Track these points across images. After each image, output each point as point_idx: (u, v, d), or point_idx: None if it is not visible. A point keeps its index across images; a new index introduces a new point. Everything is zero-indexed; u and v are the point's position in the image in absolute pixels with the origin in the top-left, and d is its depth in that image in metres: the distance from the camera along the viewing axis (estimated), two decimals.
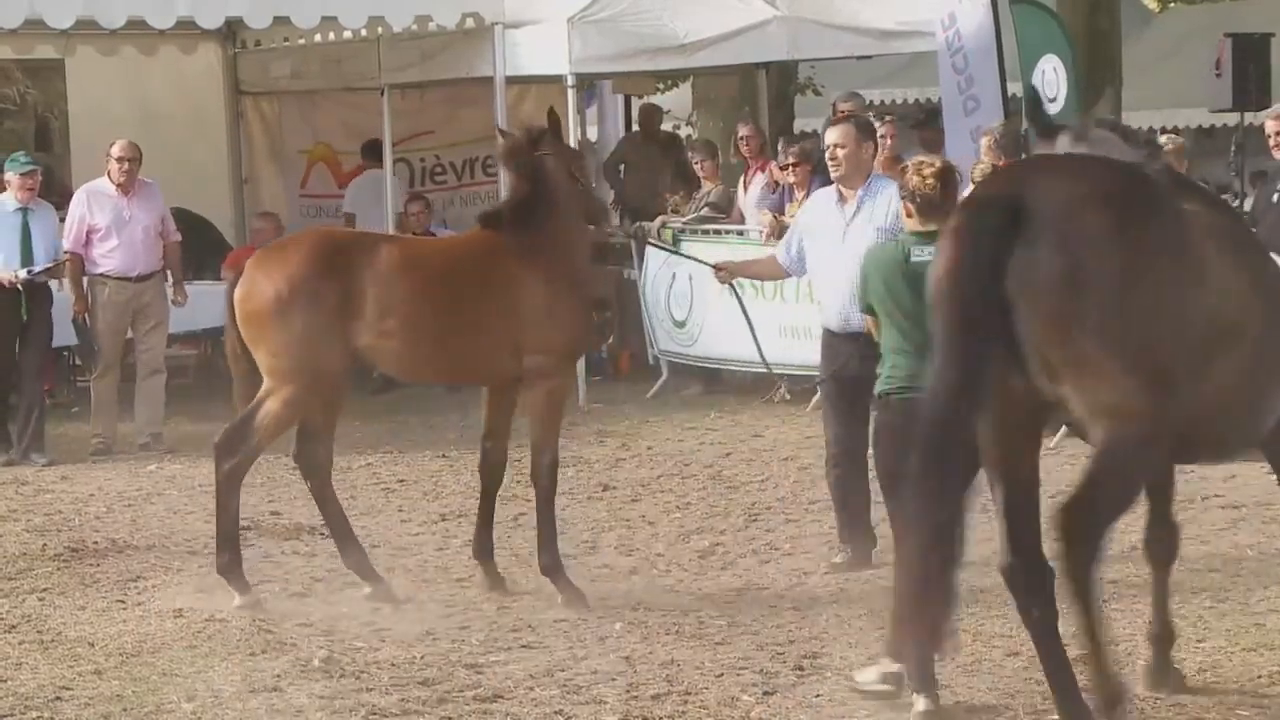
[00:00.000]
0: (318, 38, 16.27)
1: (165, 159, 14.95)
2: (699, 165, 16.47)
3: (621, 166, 18.52)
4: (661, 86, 22.24)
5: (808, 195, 11.53)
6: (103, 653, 8.25)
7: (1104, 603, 8.32)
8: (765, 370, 12.40)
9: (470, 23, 15.22)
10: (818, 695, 7.36)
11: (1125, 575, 8.42)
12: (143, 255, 13.63)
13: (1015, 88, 15.77)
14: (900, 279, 7.06)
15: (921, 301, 6.99)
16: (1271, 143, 12.77)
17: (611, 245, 16.65)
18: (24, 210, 13.41)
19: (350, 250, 9.15)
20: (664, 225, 15.83)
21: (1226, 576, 9.13)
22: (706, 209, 15.94)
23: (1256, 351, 6.42)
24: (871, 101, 20.53)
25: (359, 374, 9.82)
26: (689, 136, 20.91)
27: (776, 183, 15.15)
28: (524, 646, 8.24)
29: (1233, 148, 18.08)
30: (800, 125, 20.59)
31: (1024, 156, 7.28)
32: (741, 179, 16.08)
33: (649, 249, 15.49)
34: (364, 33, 15.51)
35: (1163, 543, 7.30)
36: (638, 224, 16.09)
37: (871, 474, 8.47)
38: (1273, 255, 7.56)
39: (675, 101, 23.29)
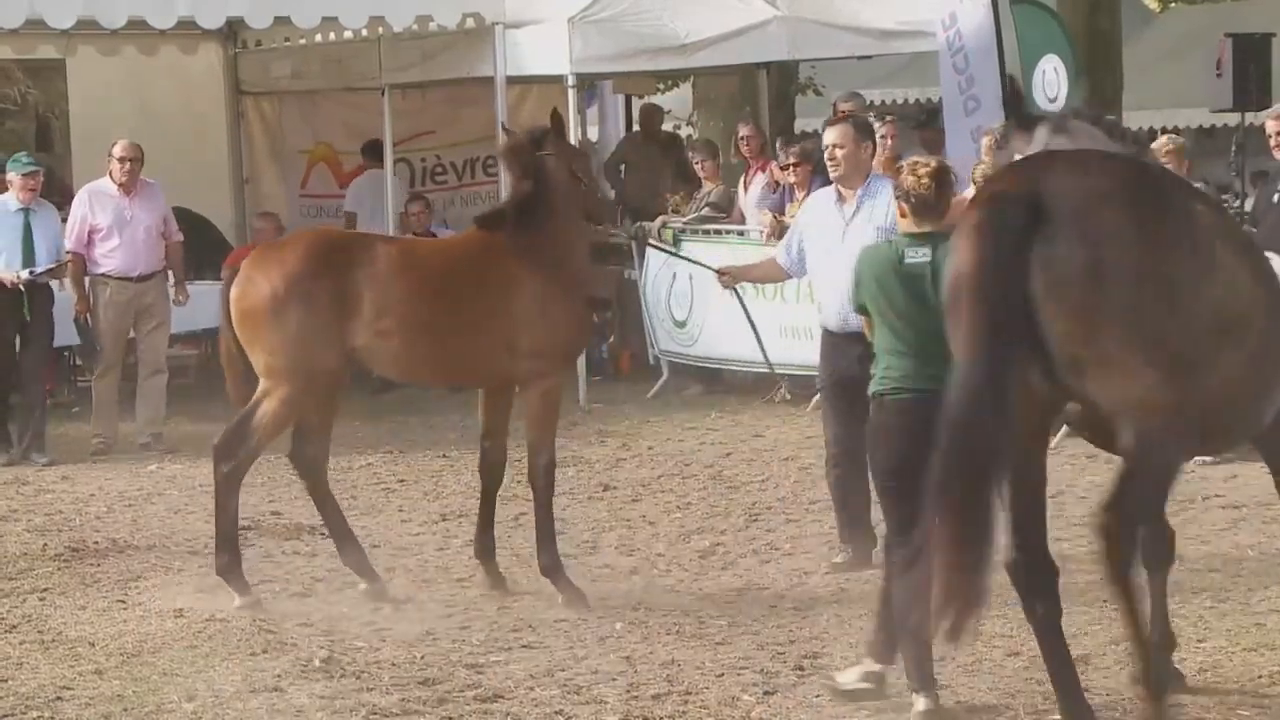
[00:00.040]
0: (318, 38, 16.27)
1: (166, 159, 14.95)
2: (699, 165, 16.47)
3: (622, 166, 18.52)
4: (662, 86, 22.24)
5: (808, 195, 11.52)
6: (103, 653, 8.26)
7: (1104, 603, 8.36)
8: (768, 370, 12.40)
9: (471, 23, 15.22)
10: (818, 695, 7.36)
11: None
12: (144, 255, 13.64)
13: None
14: (894, 280, 7.05)
15: (915, 303, 7.00)
16: (1272, 143, 12.77)
17: (612, 245, 16.67)
18: (26, 210, 13.42)
19: (346, 250, 9.15)
20: (664, 225, 15.83)
21: (1227, 576, 9.13)
22: (707, 209, 15.94)
23: (1261, 343, 6.49)
24: (872, 101, 20.54)
25: (360, 374, 9.82)
26: (689, 136, 20.91)
27: (777, 183, 15.15)
28: (524, 646, 8.24)
29: (1233, 148, 18.08)
30: (801, 125, 20.58)
31: (1010, 150, 7.24)
32: (742, 179, 16.08)
33: (649, 249, 15.50)
34: (365, 33, 15.52)
35: (1157, 545, 7.30)
36: (638, 224, 16.09)
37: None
38: (1272, 255, 7.58)
39: (676, 101, 23.30)
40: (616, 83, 20.46)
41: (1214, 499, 10.79)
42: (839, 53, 17.34)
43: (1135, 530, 6.36)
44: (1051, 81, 15.12)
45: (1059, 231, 6.16)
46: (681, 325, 15.68)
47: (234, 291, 9.12)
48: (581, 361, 15.07)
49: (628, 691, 7.50)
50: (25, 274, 13.24)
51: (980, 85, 14.95)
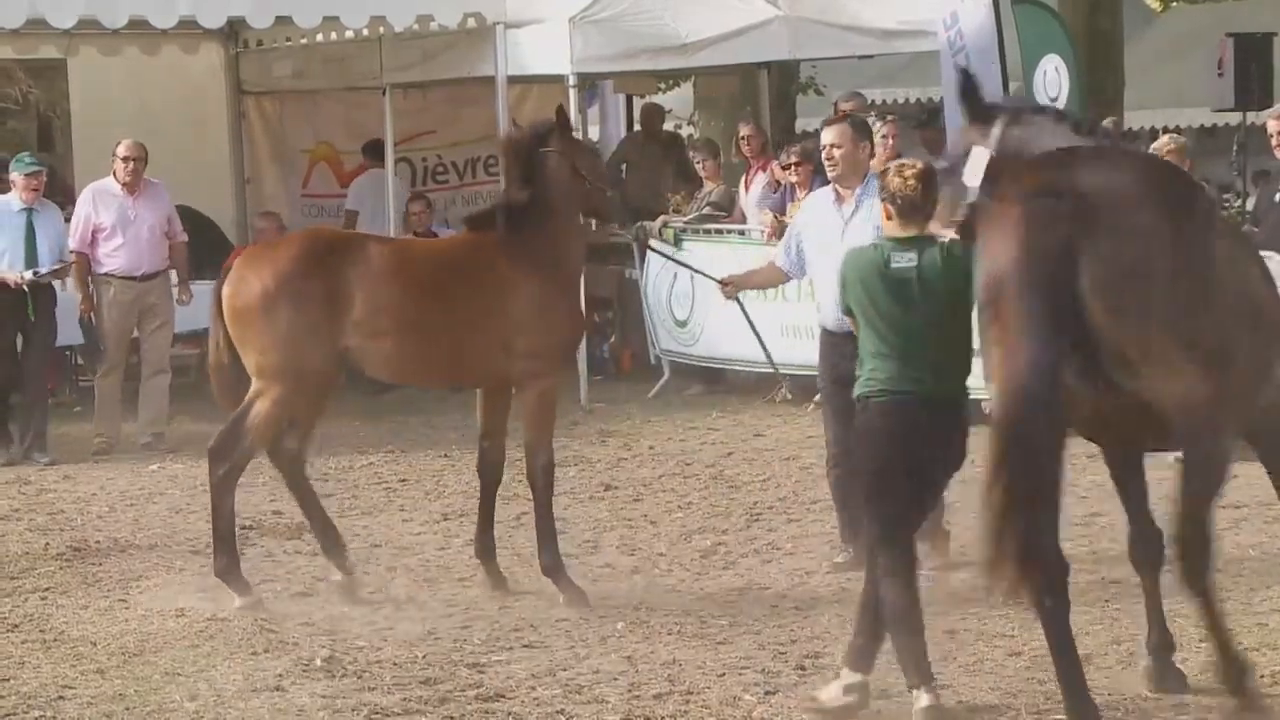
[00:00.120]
0: (319, 37, 16.25)
1: (167, 159, 14.94)
2: (700, 165, 16.47)
3: (623, 166, 18.52)
4: (663, 86, 22.23)
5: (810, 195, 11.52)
6: (105, 652, 8.26)
7: (1105, 603, 8.37)
8: (771, 370, 12.40)
9: (472, 22, 15.22)
10: (823, 687, 7.34)
11: (1127, 575, 8.40)
12: (147, 255, 13.65)
13: (1017, 87, 15.76)
14: (879, 284, 7.04)
15: (900, 306, 7.00)
16: (1273, 142, 12.78)
17: (613, 244, 16.67)
18: (29, 210, 13.43)
19: (339, 250, 9.14)
20: (665, 225, 15.83)
21: (1229, 576, 9.11)
22: (708, 208, 15.94)
23: (1264, 336, 6.60)
24: (873, 101, 20.54)
25: (360, 374, 9.82)
26: (690, 136, 20.90)
27: (778, 182, 15.15)
28: (526, 646, 8.24)
29: (1235, 147, 18.11)
30: (802, 125, 20.58)
31: (966, 143, 7.31)
32: (743, 179, 16.08)
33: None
34: (366, 32, 15.51)
35: (1148, 545, 7.31)
36: (639, 224, 16.08)
37: None
38: (1275, 254, 7.64)
39: (677, 101, 23.29)
40: (617, 82, 20.46)
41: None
42: (840, 52, 17.34)
43: (1207, 530, 6.49)
44: (1053, 81, 15.13)
45: (1106, 228, 6.23)
46: (683, 325, 15.68)
47: (226, 290, 9.12)
48: (583, 361, 15.08)
49: (629, 691, 7.50)
50: (29, 274, 13.25)
51: (981, 85, 14.93)
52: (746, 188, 15.84)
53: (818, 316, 9.62)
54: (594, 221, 14.74)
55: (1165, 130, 19.43)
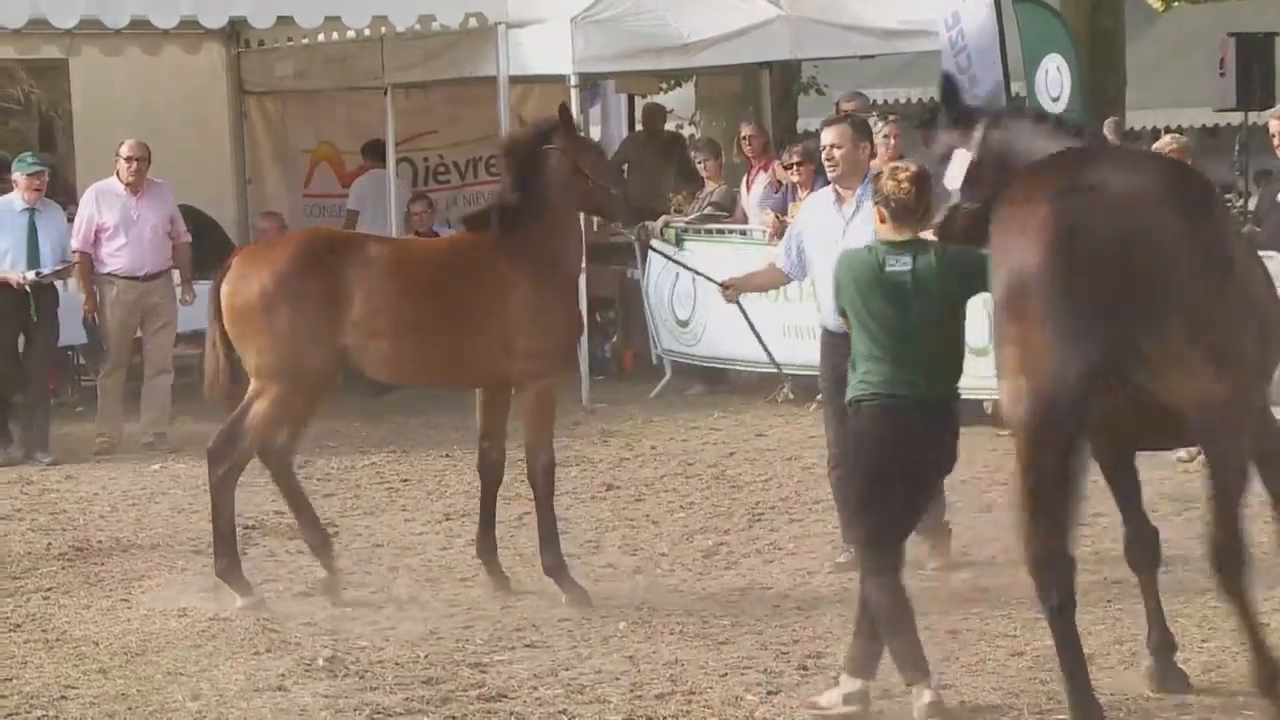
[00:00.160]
0: (321, 37, 16.26)
1: (169, 159, 14.94)
2: (702, 165, 16.47)
3: (625, 166, 18.51)
4: (665, 86, 22.23)
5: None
6: (107, 652, 8.27)
7: (1108, 603, 8.37)
8: (774, 369, 12.39)
9: (473, 22, 15.22)
10: (824, 691, 7.35)
11: (1129, 575, 8.40)
12: (150, 254, 13.65)
13: (1018, 87, 15.77)
14: (874, 287, 7.05)
15: (894, 310, 7.01)
16: (1275, 142, 12.78)
17: (615, 244, 16.67)
18: (31, 210, 13.44)
19: (337, 249, 9.13)
20: (667, 225, 15.83)
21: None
22: (709, 208, 15.94)
23: (1266, 335, 6.67)
24: (875, 101, 20.53)
25: (361, 375, 9.82)
26: (692, 136, 20.90)
27: (779, 182, 15.15)
28: (528, 646, 8.25)
29: (1236, 147, 18.10)
30: (804, 125, 20.58)
31: (943, 147, 7.35)
32: (744, 178, 16.08)
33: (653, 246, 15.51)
34: (367, 32, 15.51)
35: (1144, 545, 7.32)
36: (641, 224, 16.07)
37: None
38: (1275, 254, 7.67)
39: (678, 101, 23.29)
40: (619, 82, 20.45)
41: None
42: (842, 52, 17.33)
43: (1240, 532, 6.58)
44: (1054, 80, 15.13)
45: (1134, 227, 6.26)
46: (684, 325, 15.68)
47: (224, 289, 9.12)
48: (585, 361, 15.09)
49: (631, 691, 7.50)
50: (31, 275, 13.26)
51: (983, 85, 14.94)
52: (748, 188, 15.84)
53: (819, 317, 9.61)
54: (596, 220, 14.81)
55: (1167, 130, 19.46)
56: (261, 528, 10.64)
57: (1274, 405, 7.03)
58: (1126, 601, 8.27)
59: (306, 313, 8.92)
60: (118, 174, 13.69)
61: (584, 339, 14.93)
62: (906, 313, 6.99)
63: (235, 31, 17.28)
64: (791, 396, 14.46)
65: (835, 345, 9.28)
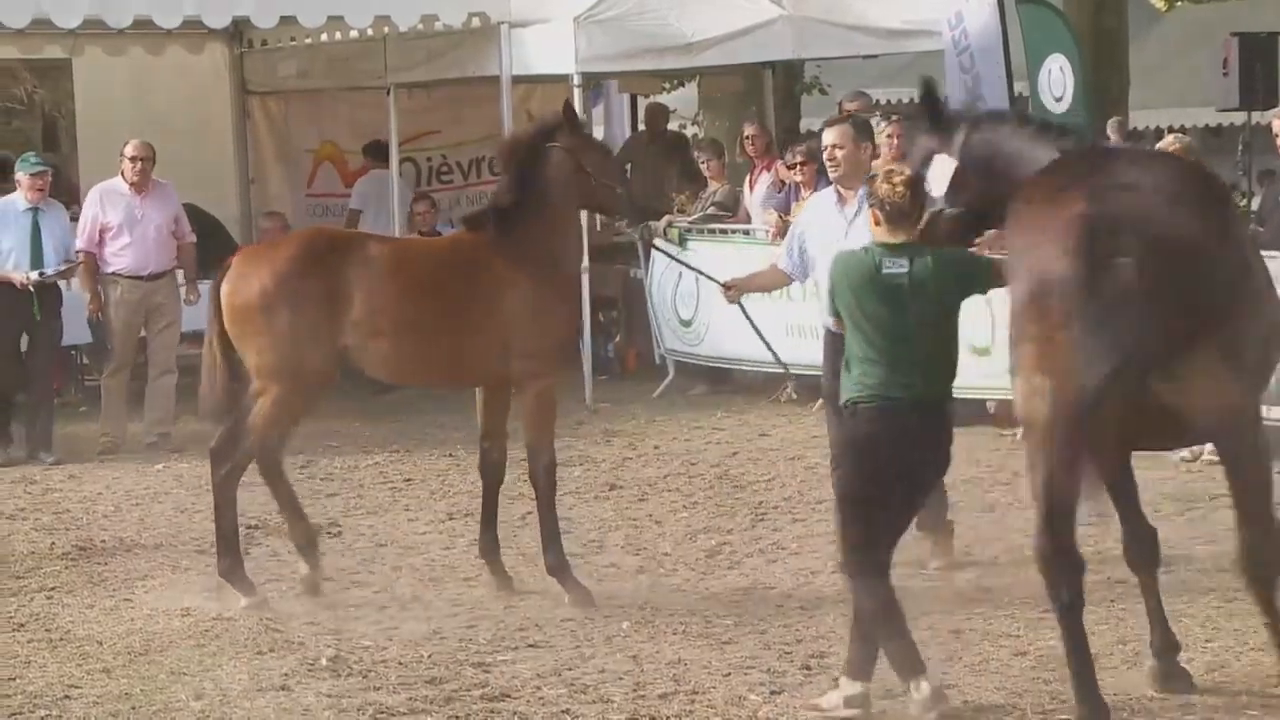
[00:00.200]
0: (324, 37, 16.26)
1: (172, 159, 14.95)
2: (705, 164, 16.47)
3: (628, 166, 18.51)
4: (668, 86, 22.22)
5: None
6: (111, 651, 8.27)
7: (1111, 603, 8.37)
8: (780, 369, 12.38)
9: (476, 22, 15.22)
10: (825, 694, 7.35)
11: (1132, 575, 8.41)
12: (154, 254, 13.66)
13: (1021, 86, 15.77)
14: (871, 289, 7.06)
15: (891, 312, 7.03)
16: (1279, 142, 12.77)
17: (618, 244, 16.68)
18: (34, 210, 13.45)
19: (339, 249, 9.13)
20: (670, 225, 15.83)
21: (1235, 576, 9.12)
22: (712, 208, 15.94)
23: (1268, 335, 6.72)
24: (878, 100, 20.52)
25: (364, 374, 9.82)
26: (695, 136, 20.90)
27: (782, 182, 15.15)
28: (531, 645, 8.25)
29: (1239, 147, 18.10)
30: (807, 124, 20.54)
31: (926, 151, 7.39)
32: (747, 178, 16.08)
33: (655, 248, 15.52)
34: (370, 32, 15.51)
35: (1142, 545, 7.33)
36: (644, 223, 16.07)
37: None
38: (1278, 254, 7.69)
39: (681, 101, 23.27)
40: (622, 82, 20.45)
41: (1222, 499, 10.75)
42: (845, 52, 17.33)
43: (1273, 529, 6.63)
44: (1057, 80, 15.13)
45: (1161, 228, 6.29)
46: (687, 324, 15.68)
47: (224, 289, 9.13)
48: (588, 361, 15.09)
49: (634, 691, 7.50)
50: (34, 275, 13.27)
51: (986, 84, 14.96)
52: (751, 187, 15.84)
53: (822, 316, 9.61)
54: (600, 220, 14.80)
55: (1170, 130, 19.45)
56: (264, 527, 10.63)
57: (1274, 406, 7.07)
58: (1130, 601, 8.26)
59: (306, 312, 8.92)
60: (123, 174, 13.70)
61: (587, 338, 14.97)
62: (903, 314, 7.01)
63: (238, 31, 17.29)
64: (795, 396, 14.47)
65: (838, 345, 9.24)
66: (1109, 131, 17.81)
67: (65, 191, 15.32)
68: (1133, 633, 7.86)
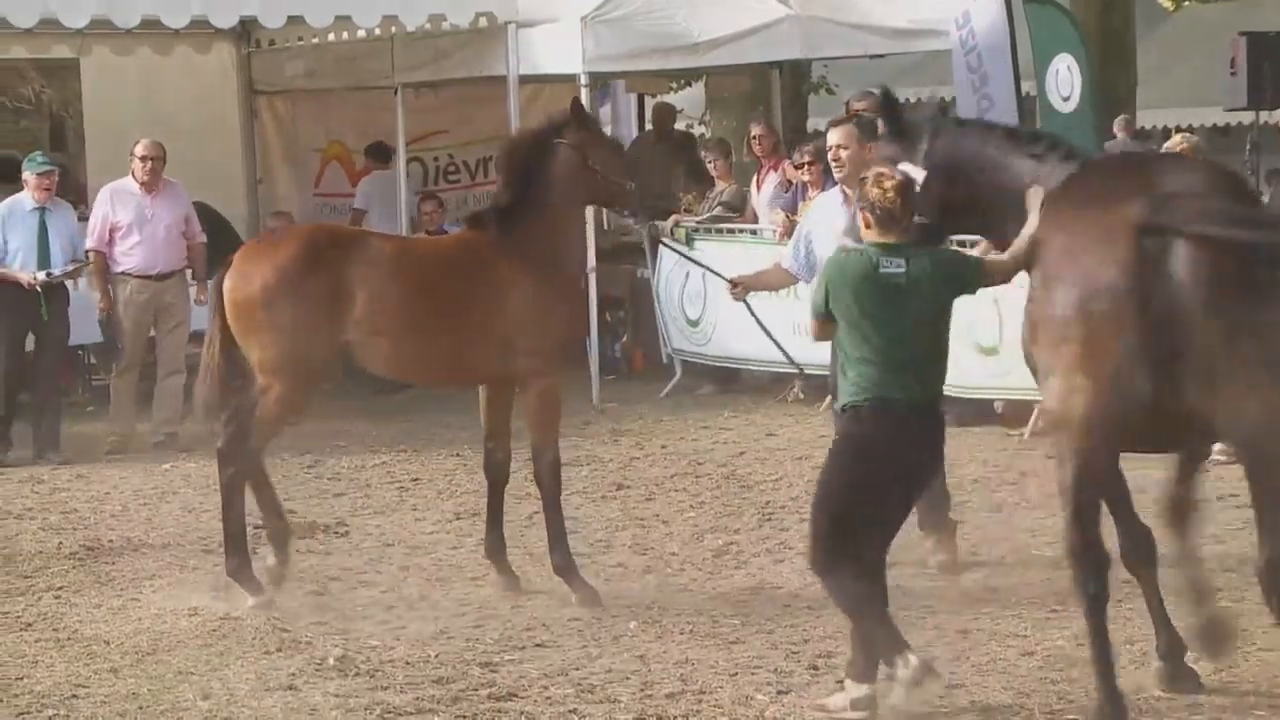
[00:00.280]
0: (331, 37, 16.28)
1: (180, 158, 14.95)
2: (712, 164, 16.46)
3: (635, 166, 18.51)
4: (675, 86, 22.22)
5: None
6: (118, 651, 8.28)
7: (1118, 602, 8.35)
8: (790, 368, 12.37)
9: (484, 22, 15.23)
10: (832, 694, 7.34)
11: None
12: (164, 253, 13.67)
13: (1029, 86, 15.76)
14: (869, 289, 7.06)
15: (888, 311, 7.04)
16: None
17: (625, 244, 16.67)
18: (41, 210, 13.46)
19: (341, 246, 9.13)
20: (677, 224, 15.84)
21: (1242, 577, 9.07)
22: (720, 208, 15.94)
23: None
24: None
25: (369, 374, 9.82)
26: (702, 136, 20.89)
27: (789, 182, 15.15)
28: (538, 645, 8.25)
29: (1248, 146, 18.08)
30: (814, 124, 20.56)
31: (890, 158, 7.43)
32: (755, 178, 16.08)
33: (662, 247, 15.52)
34: (378, 32, 15.52)
35: (1139, 545, 7.34)
36: (651, 223, 16.09)
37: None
38: None
39: (689, 101, 23.28)
40: (629, 82, 20.45)
41: (1229, 498, 10.74)
42: (852, 51, 17.31)
43: None
44: (1065, 80, 15.12)
45: (1214, 236, 6.35)
46: (695, 324, 15.68)
47: (227, 285, 9.12)
48: (595, 360, 15.09)
49: (641, 690, 7.51)
50: (42, 275, 13.28)
51: (994, 84, 14.95)
52: (758, 187, 15.84)
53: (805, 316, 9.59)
54: (607, 220, 14.77)
55: (1178, 129, 19.43)
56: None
57: None
58: (1137, 601, 8.23)
59: (308, 309, 8.92)
60: (133, 173, 13.71)
61: (594, 338, 14.97)
62: (901, 313, 7.03)
63: (246, 31, 17.31)
64: (802, 396, 14.47)
65: None
66: (1115, 130, 17.81)
67: (72, 191, 15.34)
68: (1139, 632, 7.85)
